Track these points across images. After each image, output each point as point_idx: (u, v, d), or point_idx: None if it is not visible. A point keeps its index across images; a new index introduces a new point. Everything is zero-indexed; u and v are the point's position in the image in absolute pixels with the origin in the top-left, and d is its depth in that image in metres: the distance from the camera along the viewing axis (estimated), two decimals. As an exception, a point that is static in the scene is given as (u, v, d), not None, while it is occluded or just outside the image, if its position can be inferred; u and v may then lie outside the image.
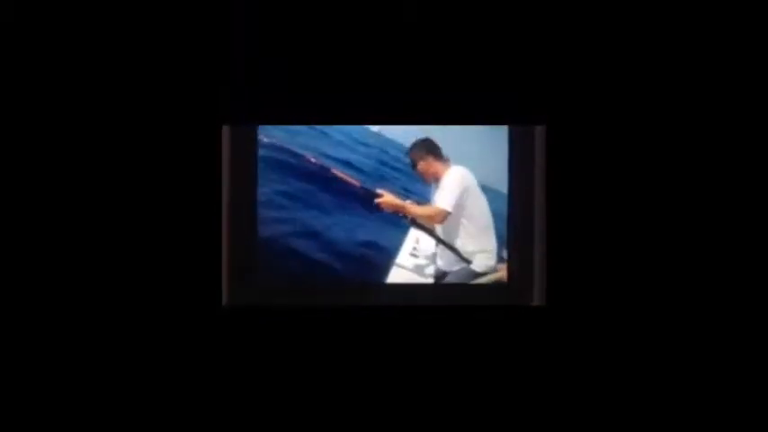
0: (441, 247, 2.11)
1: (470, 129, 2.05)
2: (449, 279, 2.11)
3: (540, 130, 2.01)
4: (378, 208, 2.02)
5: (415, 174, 2.10)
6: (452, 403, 1.95)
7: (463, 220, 2.09)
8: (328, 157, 2.03)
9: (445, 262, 2.11)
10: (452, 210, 2.07)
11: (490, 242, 2.09)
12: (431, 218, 2.08)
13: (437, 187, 2.10)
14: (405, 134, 2.08)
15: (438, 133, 2.07)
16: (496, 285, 2.08)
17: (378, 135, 2.06)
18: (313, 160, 1.98)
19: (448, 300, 2.04)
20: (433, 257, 2.12)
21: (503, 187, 2.07)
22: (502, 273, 2.07)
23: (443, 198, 2.07)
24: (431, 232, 2.10)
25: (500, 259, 2.09)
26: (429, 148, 2.08)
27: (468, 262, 2.09)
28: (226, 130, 1.99)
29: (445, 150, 2.08)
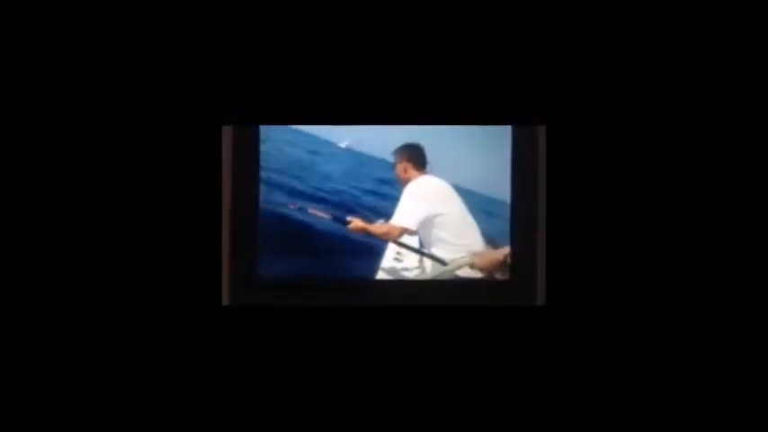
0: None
1: (473, 129, 2.05)
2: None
3: (541, 130, 2.01)
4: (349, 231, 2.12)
5: (393, 174, 2.14)
6: (453, 403, 1.95)
7: (434, 230, 2.11)
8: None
9: (429, 267, 2.13)
10: (408, 224, 2.10)
11: (473, 244, 2.10)
12: (387, 234, 2.11)
13: None
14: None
15: (445, 135, 2.09)
16: (499, 285, 2.08)
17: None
18: (291, 206, 2.09)
19: (449, 299, 2.04)
20: (417, 262, 2.14)
21: (505, 188, 2.07)
22: (469, 259, 2.09)
23: (397, 214, 2.11)
24: (401, 244, 2.13)
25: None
26: (411, 154, 2.11)
27: (446, 265, 2.11)
28: (226, 130, 1.99)
29: (442, 154, 2.09)
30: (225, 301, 1.99)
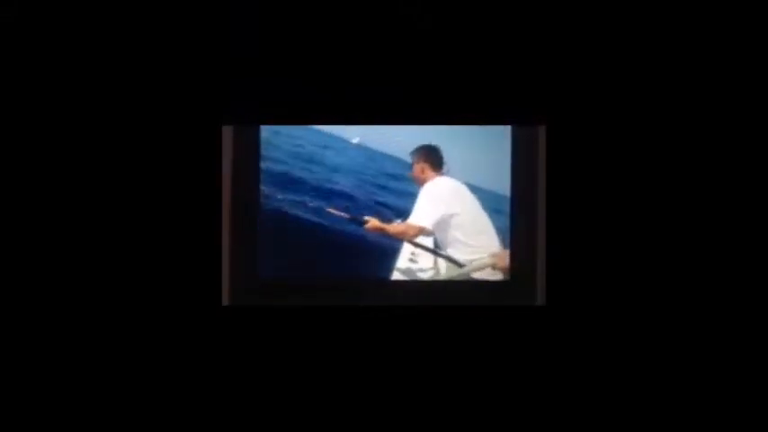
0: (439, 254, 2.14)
1: (473, 130, 2.05)
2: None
3: (541, 130, 2.01)
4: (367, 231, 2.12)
5: (409, 176, 2.14)
6: (454, 402, 1.95)
7: (450, 230, 2.11)
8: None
9: (444, 268, 2.13)
10: (426, 224, 2.10)
11: (489, 245, 2.10)
12: (403, 233, 2.11)
13: None
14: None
15: (445, 135, 2.10)
16: (499, 285, 2.08)
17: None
18: (310, 205, 2.10)
19: (449, 299, 2.04)
20: (432, 263, 2.14)
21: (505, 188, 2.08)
22: (489, 260, 2.08)
23: (414, 214, 2.11)
24: (417, 244, 2.13)
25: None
26: (428, 155, 2.12)
27: (463, 267, 2.11)
28: (226, 130, 2.00)
29: (457, 155, 2.10)
30: (225, 301, 1.99)
